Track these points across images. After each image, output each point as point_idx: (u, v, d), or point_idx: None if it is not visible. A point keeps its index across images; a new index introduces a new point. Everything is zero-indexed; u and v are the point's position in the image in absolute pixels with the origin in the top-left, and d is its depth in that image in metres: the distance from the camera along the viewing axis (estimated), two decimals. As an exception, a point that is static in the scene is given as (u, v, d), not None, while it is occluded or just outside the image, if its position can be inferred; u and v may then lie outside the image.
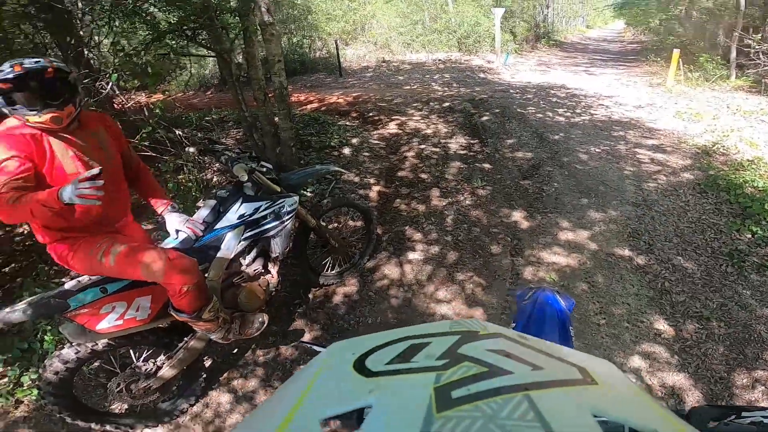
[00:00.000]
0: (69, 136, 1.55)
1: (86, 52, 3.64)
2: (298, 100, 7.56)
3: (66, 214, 1.55)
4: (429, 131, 5.43)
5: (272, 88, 3.93)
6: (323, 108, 6.80)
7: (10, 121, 1.48)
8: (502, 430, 0.28)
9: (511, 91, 7.86)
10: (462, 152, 4.73)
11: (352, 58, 13.14)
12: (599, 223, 3.35)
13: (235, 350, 2.41)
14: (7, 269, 3.14)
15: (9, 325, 1.64)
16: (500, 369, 0.35)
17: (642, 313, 2.46)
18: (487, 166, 4.38)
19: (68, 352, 1.73)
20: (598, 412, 0.30)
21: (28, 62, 1.44)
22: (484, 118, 5.81)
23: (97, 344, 1.75)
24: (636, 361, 2.17)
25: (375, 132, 5.45)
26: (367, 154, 4.67)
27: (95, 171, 1.32)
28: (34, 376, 2.29)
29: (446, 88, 8.47)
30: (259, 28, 3.78)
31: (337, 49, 11.26)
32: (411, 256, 3.08)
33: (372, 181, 4.10)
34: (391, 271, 2.95)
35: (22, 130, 1.45)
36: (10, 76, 1.39)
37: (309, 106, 7.03)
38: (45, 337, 2.41)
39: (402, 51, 13.71)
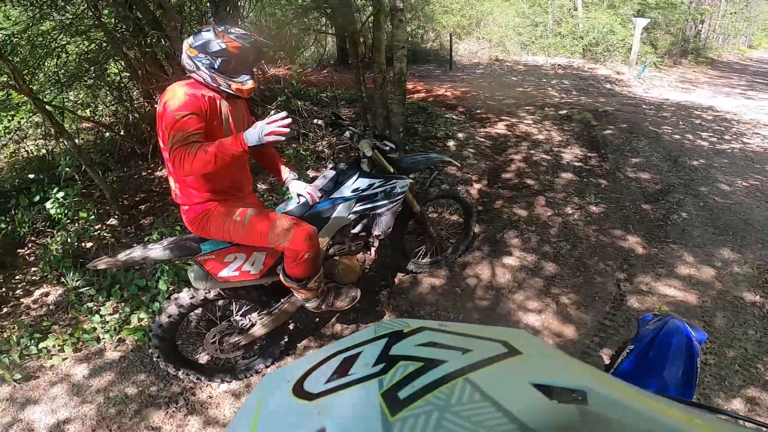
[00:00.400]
0: (232, 103, 1.69)
1: (239, 22, 4.08)
2: (407, 87, 7.62)
3: (219, 175, 1.68)
4: (541, 137, 5.11)
5: (391, 73, 4.01)
6: (430, 99, 6.78)
7: (188, 82, 1.60)
8: (457, 417, 0.28)
9: (644, 106, 7.01)
10: (576, 164, 4.37)
11: (464, 53, 12.87)
12: (732, 263, 2.89)
13: (317, 319, 2.49)
14: (143, 207, 3.65)
15: (149, 262, 1.79)
16: (435, 360, 0.35)
17: (758, 360, 2.19)
18: (603, 182, 3.98)
19: (184, 297, 1.83)
20: (534, 380, 0.31)
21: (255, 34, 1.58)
22: (607, 131, 5.28)
23: (209, 292, 1.85)
24: (736, 404, 1.98)
25: (482, 129, 5.28)
26: (471, 150, 4.56)
27: (283, 114, 1.49)
28: (143, 316, 2.47)
29: (564, 95, 7.87)
30: (389, 13, 3.87)
31: (450, 42, 11.11)
32: (505, 260, 2.94)
33: (474, 178, 3.99)
34: (482, 271, 2.86)
35: (202, 91, 1.57)
36: (248, 44, 1.54)
37: (416, 95, 7.05)
38: (161, 278, 2.61)
39: (518, 51, 13.04)
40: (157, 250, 1.73)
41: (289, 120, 1.48)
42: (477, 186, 3.87)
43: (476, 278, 2.80)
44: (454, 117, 5.67)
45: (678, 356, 1.02)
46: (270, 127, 1.46)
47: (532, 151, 4.64)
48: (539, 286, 2.71)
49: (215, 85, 1.59)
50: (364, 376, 0.36)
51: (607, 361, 2.27)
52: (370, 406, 0.31)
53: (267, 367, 2.20)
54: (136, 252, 1.74)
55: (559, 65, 11.61)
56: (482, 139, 4.93)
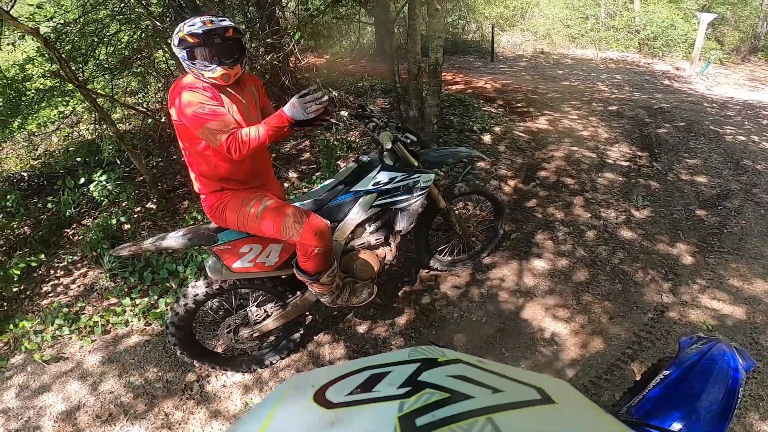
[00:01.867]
0: (234, 92, 1.66)
1: (276, 11, 4.09)
2: (445, 79, 7.40)
3: (233, 164, 1.68)
4: (585, 133, 4.79)
5: (427, 63, 3.89)
6: (468, 91, 6.55)
7: (189, 78, 1.60)
8: None
9: (705, 104, 6.41)
10: (623, 163, 4.05)
11: (507, 45, 12.44)
12: (791, 278, 2.58)
13: (335, 313, 2.45)
14: (180, 191, 3.73)
15: (164, 249, 1.83)
16: (462, 394, 0.35)
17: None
18: (654, 184, 3.67)
19: (200, 286, 1.84)
20: (562, 431, 0.30)
21: (217, 20, 1.53)
22: (661, 130, 4.86)
23: (225, 282, 1.85)
24: (769, 429, 1.79)
25: (521, 124, 5.03)
26: (508, 145, 4.35)
27: (321, 95, 1.54)
28: (170, 300, 2.51)
29: (615, 90, 7.37)
30: (425, 1, 3.74)
31: (492, 33, 10.71)
32: (536, 263, 2.78)
33: (509, 174, 3.80)
34: (510, 273, 2.71)
35: (203, 84, 1.56)
36: (200, 31, 1.49)
37: (454, 87, 6.85)
38: (190, 263, 2.66)
39: (565, 44, 12.41)
40: (173, 239, 1.74)
41: (325, 99, 1.52)
42: (512, 183, 3.69)
43: (502, 280, 2.66)
44: (493, 110, 5.45)
45: (718, 385, 0.95)
46: (310, 104, 1.52)
47: (575, 148, 4.35)
48: (570, 293, 2.54)
49: (195, 76, 1.57)
50: (386, 395, 0.36)
51: (637, 377, 2.10)
52: (385, 427, 0.31)
53: (282, 359, 2.18)
54: (153, 240, 1.76)
55: (610, 59, 10.92)
56: (521, 134, 4.70)
